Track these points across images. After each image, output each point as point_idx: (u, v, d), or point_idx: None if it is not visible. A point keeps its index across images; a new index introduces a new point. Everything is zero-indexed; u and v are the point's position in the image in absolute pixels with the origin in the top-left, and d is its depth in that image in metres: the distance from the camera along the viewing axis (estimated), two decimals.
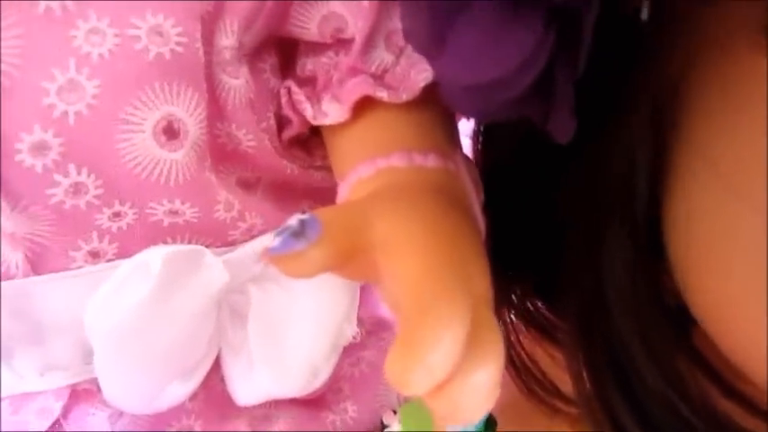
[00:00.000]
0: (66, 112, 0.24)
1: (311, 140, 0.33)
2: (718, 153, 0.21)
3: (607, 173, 0.24)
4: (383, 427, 0.33)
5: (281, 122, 0.32)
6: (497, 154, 0.29)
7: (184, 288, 0.28)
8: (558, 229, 0.27)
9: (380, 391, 0.35)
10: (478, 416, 0.18)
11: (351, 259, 0.21)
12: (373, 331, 0.37)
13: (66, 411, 0.30)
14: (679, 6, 0.21)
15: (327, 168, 0.34)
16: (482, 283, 0.22)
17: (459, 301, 0.19)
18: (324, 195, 0.35)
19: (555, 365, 0.32)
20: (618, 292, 0.25)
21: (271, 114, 0.31)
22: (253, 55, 0.30)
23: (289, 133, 0.32)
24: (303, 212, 0.22)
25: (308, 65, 0.31)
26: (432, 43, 0.21)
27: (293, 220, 0.22)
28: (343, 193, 0.28)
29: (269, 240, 0.21)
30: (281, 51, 0.32)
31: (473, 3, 0.19)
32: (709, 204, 0.21)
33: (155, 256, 0.27)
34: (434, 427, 0.21)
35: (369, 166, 0.27)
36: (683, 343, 0.25)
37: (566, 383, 0.31)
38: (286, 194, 0.33)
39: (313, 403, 0.35)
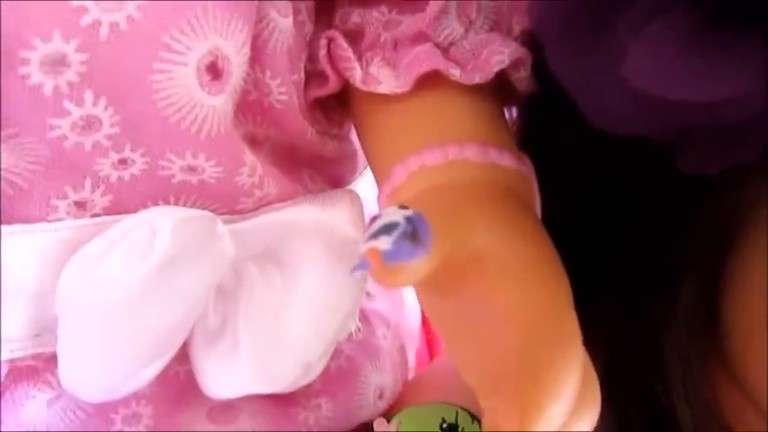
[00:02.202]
0: (98, 22, 0.18)
1: (329, 103, 0.29)
2: None
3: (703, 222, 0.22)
4: None
5: (308, 78, 0.27)
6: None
7: (192, 261, 0.23)
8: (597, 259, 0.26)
9: (358, 389, 0.32)
10: None
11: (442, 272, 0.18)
12: None
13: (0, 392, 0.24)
14: None
15: (341, 138, 0.30)
16: (574, 312, 0.20)
17: (575, 345, 0.18)
18: (325, 165, 0.31)
19: None
20: (675, 336, 0.24)
21: (302, 66, 0.26)
22: None
23: (317, 92, 0.27)
24: (402, 207, 0.18)
25: (353, 17, 0.27)
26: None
27: (395, 216, 0.18)
28: (400, 177, 0.24)
29: (368, 239, 0.17)
30: None
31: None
32: None
33: (163, 220, 0.22)
34: None
35: (437, 153, 0.23)
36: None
37: None
38: (288, 160, 0.29)
39: (281, 396, 0.31)
